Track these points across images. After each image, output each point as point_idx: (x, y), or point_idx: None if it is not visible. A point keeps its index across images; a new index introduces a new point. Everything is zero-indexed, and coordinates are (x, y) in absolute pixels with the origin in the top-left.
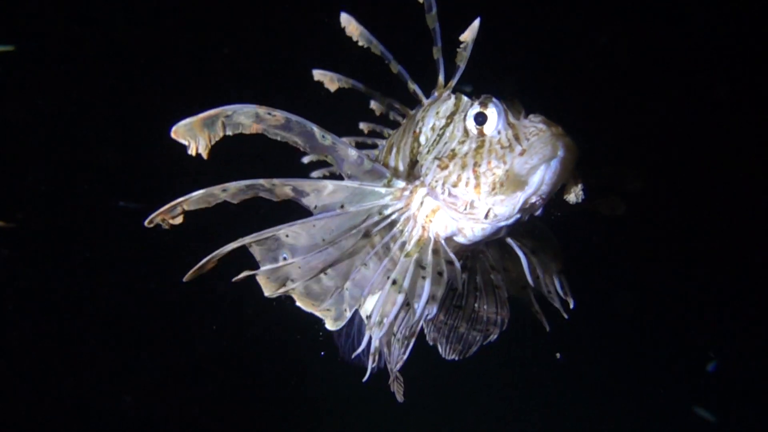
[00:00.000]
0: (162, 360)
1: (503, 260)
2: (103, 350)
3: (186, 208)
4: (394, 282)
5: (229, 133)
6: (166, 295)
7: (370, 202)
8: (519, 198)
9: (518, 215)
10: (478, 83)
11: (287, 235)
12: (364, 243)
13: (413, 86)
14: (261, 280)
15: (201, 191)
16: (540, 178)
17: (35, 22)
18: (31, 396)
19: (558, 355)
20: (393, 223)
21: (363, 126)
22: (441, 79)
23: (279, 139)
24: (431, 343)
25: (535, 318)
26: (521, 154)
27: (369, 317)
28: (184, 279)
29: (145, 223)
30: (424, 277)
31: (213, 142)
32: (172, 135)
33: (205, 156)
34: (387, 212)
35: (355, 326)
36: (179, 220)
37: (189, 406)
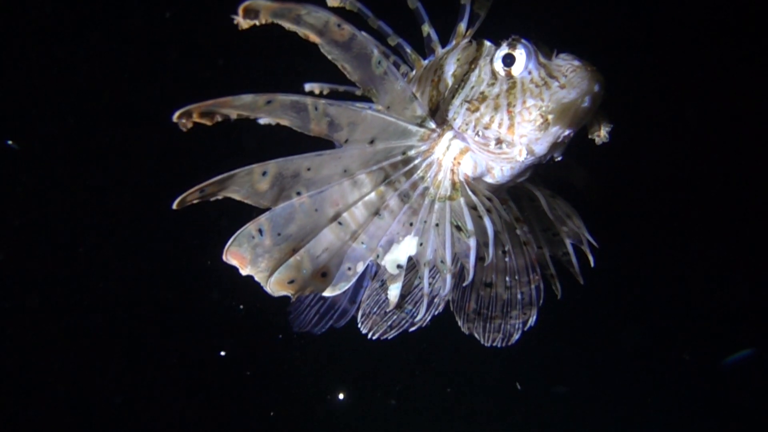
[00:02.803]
0: (152, 361)
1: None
2: (92, 350)
3: (225, 110)
4: (459, 229)
5: (287, 27)
6: (159, 296)
7: (399, 140)
8: (554, 133)
9: (548, 153)
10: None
11: (309, 168)
12: (380, 187)
13: (429, 29)
14: (260, 262)
15: (249, 95)
16: (576, 111)
17: None
18: (15, 397)
19: (518, 385)
20: (413, 170)
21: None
22: (462, 26)
23: (329, 56)
24: (467, 333)
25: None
26: (562, 88)
27: (438, 263)
28: (175, 206)
29: (174, 116)
30: (480, 217)
31: (260, 24)
32: (240, 9)
33: (242, 27)
34: (411, 153)
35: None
36: (188, 124)
37: (180, 408)
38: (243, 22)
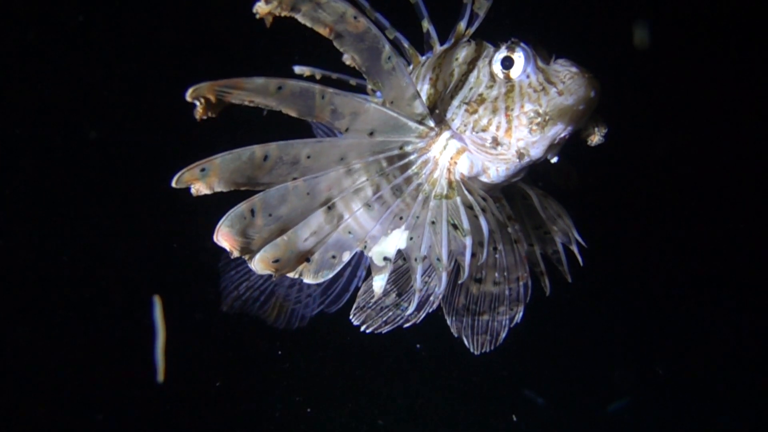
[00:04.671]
0: (136, 375)
1: (514, 213)
2: (69, 363)
3: (237, 92)
4: (455, 227)
5: (302, 20)
6: (143, 307)
7: (397, 135)
8: (551, 137)
9: (544, 155)
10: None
11: (309, 156)
12: (374, 177)
13: (428, 26)
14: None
15: (261, 78)
16: (573, 116)
17: None
18: None
19: (514, 417)
20: (408, 165)
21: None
22: (462, 25)
23: (341, 49)
24: (456, 335)
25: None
26: (560, 94)
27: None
28: (174, 182)
29: (188, 93)
30: (476, 216)
31: (279, 14)
32: None
33: (262, 13)
34: (408, 149)
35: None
36: (200, 111)
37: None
38: (264, 7)
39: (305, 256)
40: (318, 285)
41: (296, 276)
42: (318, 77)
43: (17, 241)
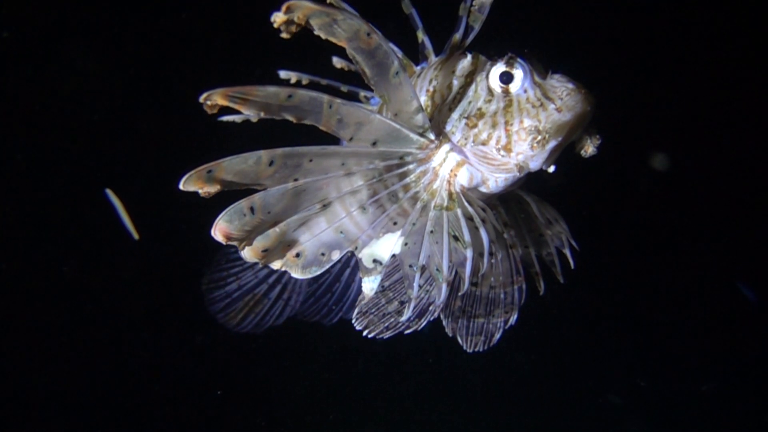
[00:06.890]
0: (138, 395)
1: (510, 218)
2: (70, 386)
3: (253, 95)
4: (456, 239)
5: (317, 33)
6: (142, 331)
7: (399, 145)
8: (549, 151)
9: (541, 166)
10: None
11: (311, 160)
12: (371, 182)
13: (423, 36)
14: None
15: (273, 87)
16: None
17: None
18: None
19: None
20: (407, 173)
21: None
22: (458, 36)
23: (352, 59)
24: (450, 335)
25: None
26: (558, 110)
27: (428, 269)
28: (181, 185)
29: (201, 98)
30: (476, 228)
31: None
32: (283, 6)
33: (279, 23)
34: (408, 159)
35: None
36: (214, 109)
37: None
38: (281, 18)
39: (296, 251)
40: (307, 282)
41: (284, 268)
42: (305, 82)
43: (17, 242)
